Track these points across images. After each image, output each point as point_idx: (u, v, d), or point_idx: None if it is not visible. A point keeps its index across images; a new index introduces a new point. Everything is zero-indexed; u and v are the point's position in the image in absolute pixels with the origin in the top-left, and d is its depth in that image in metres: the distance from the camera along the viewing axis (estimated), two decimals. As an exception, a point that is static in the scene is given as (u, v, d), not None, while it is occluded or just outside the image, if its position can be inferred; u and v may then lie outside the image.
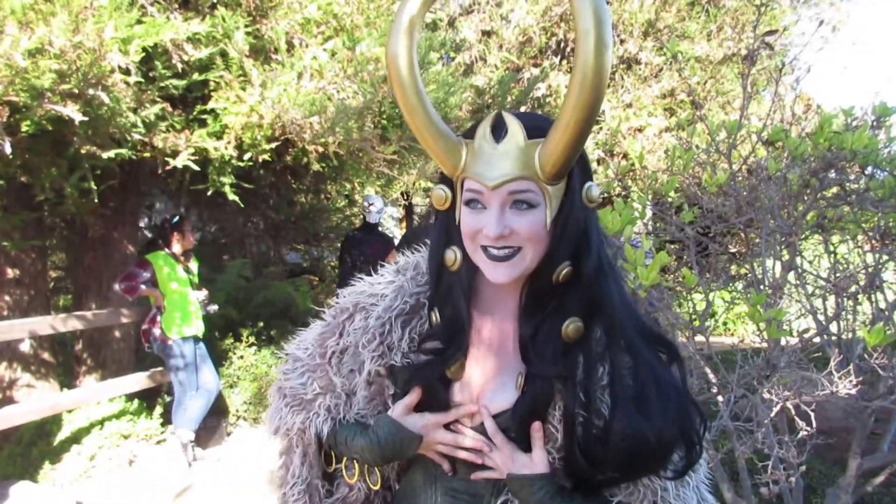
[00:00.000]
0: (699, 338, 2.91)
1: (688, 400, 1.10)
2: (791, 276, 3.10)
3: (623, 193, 3.88)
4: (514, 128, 1.05)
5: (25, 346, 5.03)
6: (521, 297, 1.12)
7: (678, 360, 1.14)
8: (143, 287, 4.72)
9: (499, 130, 1.06)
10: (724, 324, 9.64)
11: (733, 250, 4.52)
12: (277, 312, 7.65)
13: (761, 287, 2.85)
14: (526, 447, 1.12)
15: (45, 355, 5.22)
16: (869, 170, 2.80)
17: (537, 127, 1.05)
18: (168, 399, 5.37)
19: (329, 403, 1.27)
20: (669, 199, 3.29)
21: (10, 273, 5.03)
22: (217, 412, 5.35)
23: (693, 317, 3.16)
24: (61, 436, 4.68)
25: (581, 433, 1.07)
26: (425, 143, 1.08)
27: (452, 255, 1.13)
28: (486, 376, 1.17)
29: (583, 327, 1.09)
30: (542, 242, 1.07)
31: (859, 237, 3.19)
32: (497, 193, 1.04)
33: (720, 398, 2.80)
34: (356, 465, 1.30)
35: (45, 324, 4.37)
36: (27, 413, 4.17)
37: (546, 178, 1.04)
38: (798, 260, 3.05)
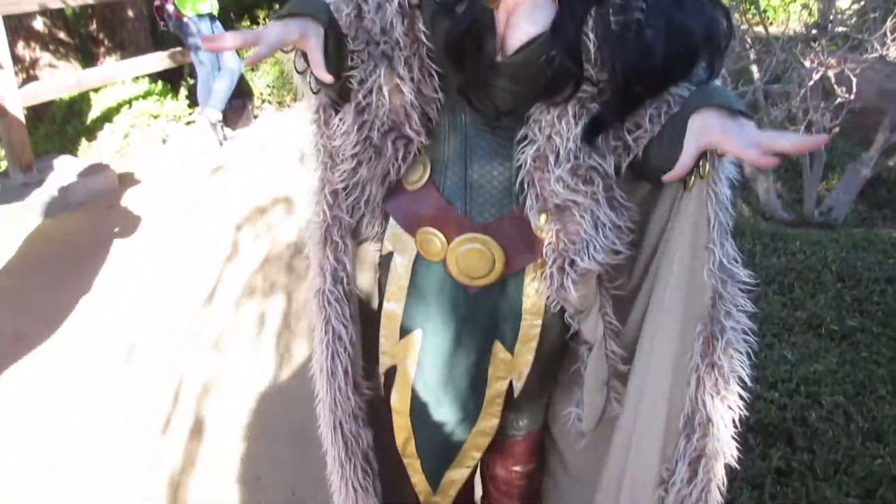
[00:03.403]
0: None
1: (715, 2, 1.05)
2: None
3: None
4: None
5: (39, 25, 4.89)
6: None
7: None
8: (149, -41, 4.43)
9: None
10: (764, 11, 9.08)
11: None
12: (293, -6, 7.27)
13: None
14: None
15: (61, 35, 5.11)
16: None
17: None
18: (192, 81, 5.36)
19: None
20: None
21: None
22: (242, 94, 5.35)
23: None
24: (92, 115, 4.76)
25: (617, 39, 1.03)
26: None
27: None
28: None
29: None
30: None
31: None
32: None
33: (755, 68, 2.71)
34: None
35: (54, -4, 4.18)
36: (53, 90, 4.19)
37: None
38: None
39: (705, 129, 0.94)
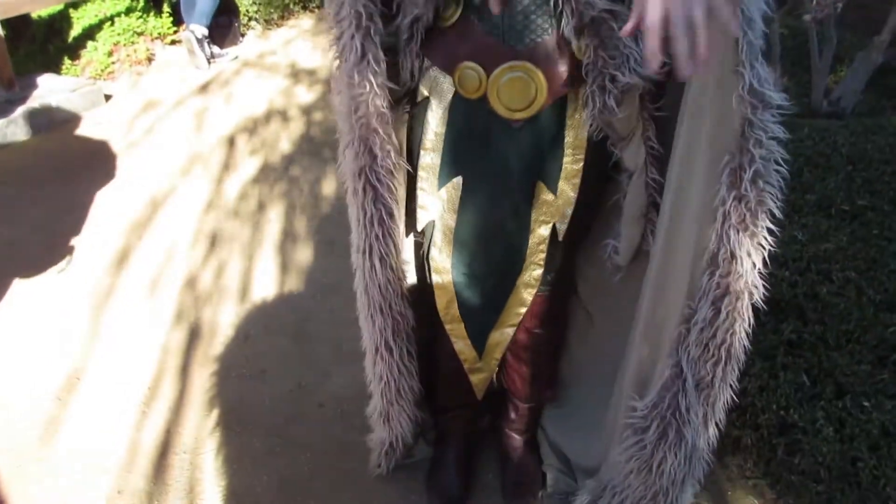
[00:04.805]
0: None
1: None
2: None
3: None
4: None
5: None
6: None
7: None
8: None
9: None
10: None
11: None
12: None
13: None
14: None
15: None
16: None
17: None
18: (174, -1, 5.17)
19: None
20: None
21: None
22: (227, 11, 5.17)
23: None
24: (73, 32, 4.61)
25: None
26: None
27: None
28: None
29: None
30: None
31: None
32: None
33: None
34: None
35: None
36: (34, 2, 4.03)
37: None
38: None
39: None
